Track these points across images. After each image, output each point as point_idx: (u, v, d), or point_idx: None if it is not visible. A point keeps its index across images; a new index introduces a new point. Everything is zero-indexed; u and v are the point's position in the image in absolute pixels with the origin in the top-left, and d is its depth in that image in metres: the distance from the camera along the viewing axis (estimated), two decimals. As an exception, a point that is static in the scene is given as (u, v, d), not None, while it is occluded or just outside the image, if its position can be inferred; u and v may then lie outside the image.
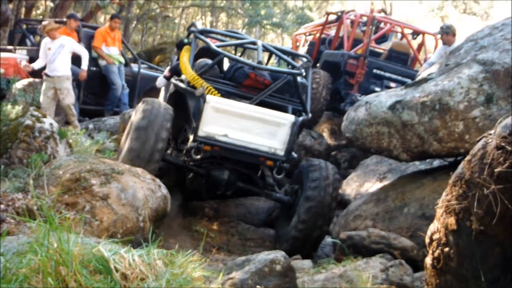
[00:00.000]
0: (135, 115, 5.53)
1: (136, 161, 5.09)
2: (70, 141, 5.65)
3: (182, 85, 5.74)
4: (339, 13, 9.97)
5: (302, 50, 11.11)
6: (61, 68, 7.80)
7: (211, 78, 5.71)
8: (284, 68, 10.23)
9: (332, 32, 10.46)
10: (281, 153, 5.43)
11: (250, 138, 5.37)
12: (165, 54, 15.35)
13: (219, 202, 6.83)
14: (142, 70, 10.34)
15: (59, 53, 7.80)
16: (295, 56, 7.28)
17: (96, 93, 9.81)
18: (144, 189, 4.39)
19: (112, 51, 9.69)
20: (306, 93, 5.88)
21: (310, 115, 5.78)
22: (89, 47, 9.62)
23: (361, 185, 6.61)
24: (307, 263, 4.52)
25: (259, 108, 5.46)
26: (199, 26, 6.52)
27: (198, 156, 5.32)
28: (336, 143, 8.98)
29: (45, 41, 7.95)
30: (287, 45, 22.21)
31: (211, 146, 5.32)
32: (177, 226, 5.60)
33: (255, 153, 5.41)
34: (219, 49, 5.65)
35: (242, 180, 5.85)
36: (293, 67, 6.10)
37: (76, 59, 9.47)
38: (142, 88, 10.29)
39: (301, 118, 5.51)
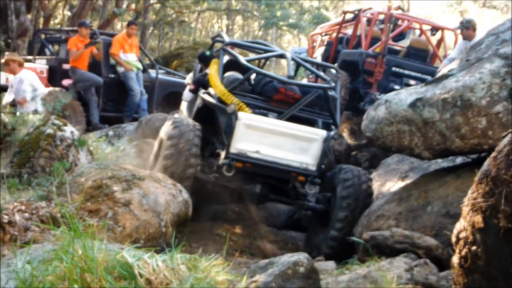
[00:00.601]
0: (164, 135, 5.53)
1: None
2: (91, 148, 5.71)
3: (212, 100, 5.70)
4: (356, 12, 9.91)
5: (319, 51, 11.07)
6: (26, 107, 7.30)
7: (240, 92, 5.69)
8: (303, 76, 10.19)
9: (348, 31, 10.40)
10: (313, 168, 5.40)
11: (282, 154, 5.35)
12: (182, 59, 15.45)
13: (241, 205, 6.82)
14: (160, 76, 10.41)
15: (19, 88, 7.47)
16: (321, 66, 7.21)
17: (115, 100, 9.91)
18: (165, 194, 4.41)
19: (130, 58, 9.79)
20: (335, 105, 5.86)
21: (339, 128, 5.76)
22: (107, 54, 9.75)
23: (382, 184, 6.54)
24: (331, 264, 4.48)
25: (291, 124, 5.43)
26: (226, 37, 6.46)
27: (230, 174, 5.30)
28: (356, 143, 8.91)
29: (7, 75, 7.76)
30: (304, 45, 22.14)
31: (243, 163, 5.30)
32: (199, 230, 5.61)
33: (286, 169, 5.39)
34: (250, 64, 5.64)
35: (274, 191, 5.84)
36: (322, 79, 6.05)
37: (95, 66, 9.61)
38: (160, 94, 10.37)
39: (332, 133, 5.51)
